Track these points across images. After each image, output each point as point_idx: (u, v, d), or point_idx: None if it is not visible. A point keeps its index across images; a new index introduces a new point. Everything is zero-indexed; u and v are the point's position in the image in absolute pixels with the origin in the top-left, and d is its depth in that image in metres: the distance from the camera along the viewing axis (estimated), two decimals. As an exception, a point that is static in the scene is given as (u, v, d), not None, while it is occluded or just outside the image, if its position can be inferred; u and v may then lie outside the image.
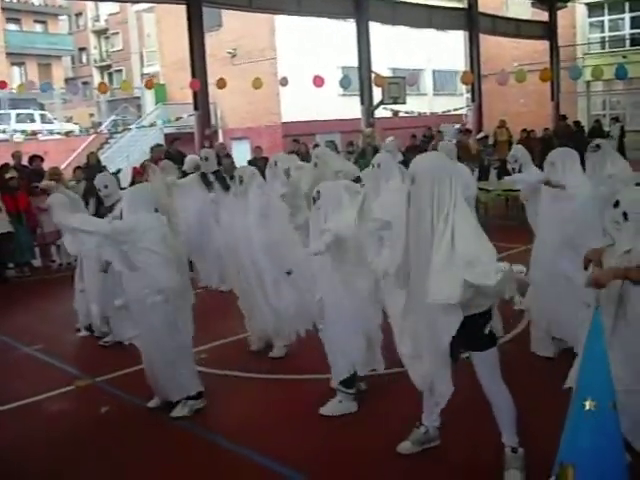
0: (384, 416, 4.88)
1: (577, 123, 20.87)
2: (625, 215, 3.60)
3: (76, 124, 34.23)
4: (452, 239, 3.59)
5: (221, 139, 26.39)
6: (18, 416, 5.49)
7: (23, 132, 28.40)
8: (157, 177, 8.74)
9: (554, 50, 25.82)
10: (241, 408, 5.35)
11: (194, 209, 8.85)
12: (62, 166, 16.12)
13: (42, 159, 12.84)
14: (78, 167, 13.02)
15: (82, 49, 50.14)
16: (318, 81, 17.83)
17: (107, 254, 5.25)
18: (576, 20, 30.28)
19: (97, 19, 49.98)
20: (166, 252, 5.04)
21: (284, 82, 18.45)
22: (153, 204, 5.29)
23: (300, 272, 5.94)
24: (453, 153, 7.83)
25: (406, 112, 21.53)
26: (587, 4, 29.83)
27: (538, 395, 4.74)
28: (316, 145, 14.06)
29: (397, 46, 28.63)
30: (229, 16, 26.33)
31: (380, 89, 19.47)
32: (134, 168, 13.68)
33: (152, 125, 25.91)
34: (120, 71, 46.85)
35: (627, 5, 29.28)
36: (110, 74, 48.45)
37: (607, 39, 30.92)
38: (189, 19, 15.99)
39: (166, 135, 24.13)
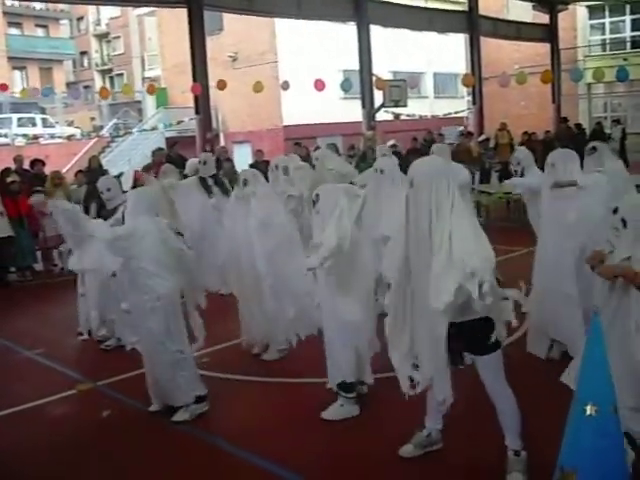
0: (386, 419, 4.87)
1: (578, 125, 20.89)
2: (624, 222, 3.58)
3: (77, 128, 34.27)
4: (450, 243, 3.57)
5: (222, 143, 26.40)
6: (19, 420, 5.48)
7: (25, 136, 28.47)
8: (154, 184, 8.75)
9: (555, 52, 25.85)
10: (242, 412, 5.34)
11: (194, 212, 8.85)
12: (63, 170, 16.13)
13: (43, 163, 12.86)
14: (80, 171, 13.02)
15: (83, 53, 50.20)
16: (319, 85, 17.84)
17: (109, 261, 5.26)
18: (577, 22, 30.31)
19: (98, 23, 50.04)
20: (165, 257, 5.03)
21: (285, 86, 18.46)
22: (155, 208, 5.29)
23: (300, 276, 5.94)
24: (447, 154, 7.89)
25: (407, 115, 21.55)
26: (588, 6, 29.83)
27: (540, 397, 4.73)
28: (317, 148, 14.06)
29: (398, 49, 28.66)
30: (230, 20, 26.38)
31: (381, 92, 19.49)
32: (135, 172, 13.70)
33: (153, 129, 25.96)
34: (121, 75, 46.90)
35: (628, 7, 29.27)
36: (111, 78, 48.50)
37: (608, 41, 30.93)
38: (190, 23, 16.01)
39: (167, 139, 24.13)
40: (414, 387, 4.00)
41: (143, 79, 39.70)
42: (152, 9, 31.08)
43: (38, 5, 43.51)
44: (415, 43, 29.80)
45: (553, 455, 2.82)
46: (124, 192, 7.81)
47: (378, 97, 19.75)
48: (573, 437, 2.56)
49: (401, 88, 20.09)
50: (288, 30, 25.88)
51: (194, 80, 16.07)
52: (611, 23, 30.62)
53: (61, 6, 44.68)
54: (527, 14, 27.22)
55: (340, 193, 5.03)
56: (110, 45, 49.26)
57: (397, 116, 21.27)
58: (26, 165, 12.73)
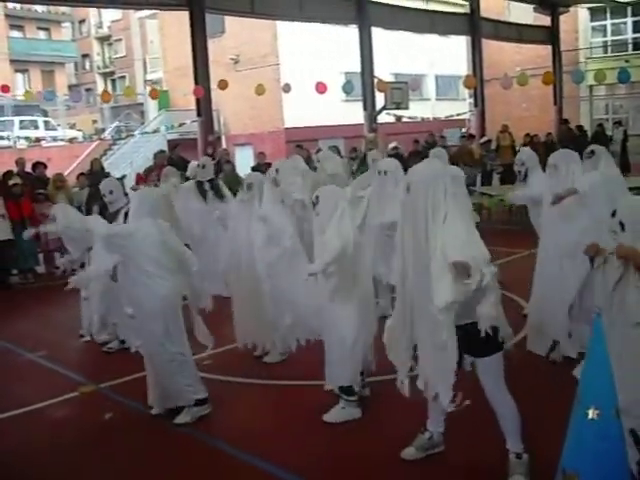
0: (388, 422, 4.88)
1: (580, 127, 20.84)
2: (622, 225, 3.58)
3: (79, 131, 34.37)
4: (444, 246, 3.58)
5: (224, 145, 26.43)
6: (22, 422, 5.49)
7: (27, 139, 28.48)
8: (154, 189, 8.76)
9: (556, 54, 25.84)
10: (244, 414, 5.35)
11: (193, 216, 8.85)
12: (66, 173, 16.13)
13: (45, 166, 12.88)
14: (82, 174, 13.04)
15: (85, 56, 50.25)
16: (321, 87, 17.85)
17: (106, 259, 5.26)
18: (578, 24, 30.32)
19: (100, 26, 50.10)
20: (165, 259, 5.04)
21: (287, 89, 18.47)
22: (158, 210, 5.29)
23: (299, 285, 5.95)
24: (445, 158, 7.93)
25: (409, 117, 21.55)
26: (589, 8, 29.84)
27: (541, 399, 4.73)
28: (318, 150, 14.06)
29: (399, 51, 28.68)
30: (232, 22, 26.40)
31: (383, 94, 19.49)
32: (137, 174, 13.73)
33: (155, 131, 25.99)
34: (123, 77, 46.96)
35: (629, 9, 29.27)
36: (113, 80, 48.56)
37: (609, 43, 30.93)
38: (192, 25, 16.02)
39: (169, 141, 24.21)
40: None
41: (145, 82, 39.76)
42: (154, 12, 31.09)
43: (40, 8, 43.54)
44: (417, 45, 29.80)
45: (555, 458, 2.82)
46: (126, 194, 7.85)
47: (380, 99, 19.76)
48: (575, 440, 2.56)
49: (403, 90, 20.10)
50: (290, 33, 25.92)
51: (196, 83, 16.09)
52: (612, 25, 30.62)
53: (63, 9, 44.77)
54: (528, 16, 27.23)
55: (340, 195, 5.03)
56: (112, 48, 49.32)
57: (399, 118, 21.27)
58: (28, 168, 12.74)
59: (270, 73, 26.02)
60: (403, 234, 3.83)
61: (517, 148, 16.67)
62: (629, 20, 29.89)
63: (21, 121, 31.47)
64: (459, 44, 30.42)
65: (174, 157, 13.28)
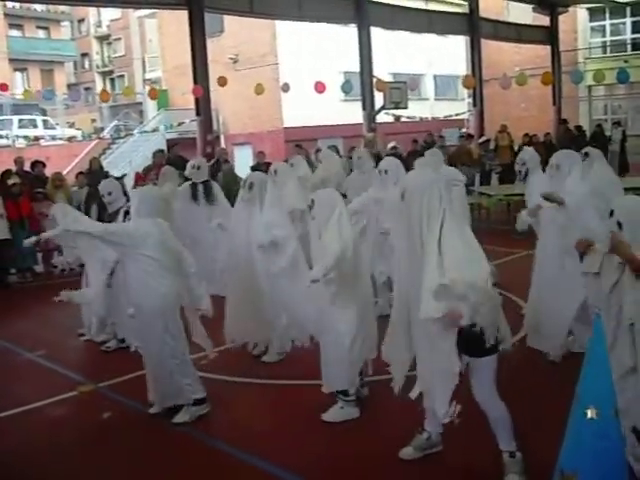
0: (386, 421, 4.88)
1: (579, 128, 20.86)
2: (620, 224, 3.59)
3: (78, 130, 34.33)
4: (441, 258, 3.59)
5: (223, 145, 26.42)
6: (20, 422, 5.49)
7: (25, 138, 28.49)
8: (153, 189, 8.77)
9: (555, 55, 25.85)
10: (243, 413, 5.35)
11: (189, 218, 8.86)
12: (64, 172, 16.10)
13: (44, 165, 12.85)
14: (80, 173, 13.02)
15: (84, 55, 50.24)
16: (320, 87, 17.85)
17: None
18: (577, 25, 30.33)
19: (99, 25, 50.10)
20: (164, 259, 5.04)
21: (285, 88, 18.47)
22: (158, 209, 5.29)
23: (297, 291, 5.96)
24: (440, 159, 7.95)
25: (408, 117, 21.55)
26: (588, 9, 29.85)
27: (540, 398, 4.74)
28: (318, 150, 14.07)
29: (398, 51, 28.70)
30: (231, 21, 26.40)
31: (382, 94, 19.49)
32: (136, 174, 13.72)
33: (154, 130, 25.99)
34: (122, 77, 46.95)
35: (628, 9, 29.28)
36: (112, 80, 48.55)
37: (608, 43, 30.94)
38: (191, 25, 16.00)
39: (168, 140, 24.20)
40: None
41: (144, 81, 39.75)
42: (153, 11, 31.10)
43: (39, 7, 43.55)
44: (415, 45, 29.83)
45: (552, 457, 2.83)
46: (126, 194, 7.84)
47: (378, 99, 19.76)
48: (574, 440, 2.56)
49: (401, 90, 20.09)
50: (289, 32, 25.93)
51: (195, 82, 16.08)
52: (611, 25, 30.63)
53: (62, 8, 44.78)
54: (527, 16, 27.22)
55: (336, 198, 5.02)
56: (111, 47, 49.32)
57: (397, 118, 21.27)
58: (27, 167, 12.73)
59: (269, 72, 26.03)
60: (399, 239, 3.85)
61: (516, 148, 16.73)
62: (628, 20, 29.91)
63: (20, 120, 31.47)
64: (458, 44, 30.45)
65: (172, 156, 13.26)
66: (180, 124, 21.76)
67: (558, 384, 4.07)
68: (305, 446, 4.69)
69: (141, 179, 12.46)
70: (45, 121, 32.90)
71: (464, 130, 24.20)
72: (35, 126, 31.66)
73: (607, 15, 30.38)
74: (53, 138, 30.67)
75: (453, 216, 3.73)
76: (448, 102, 32.83)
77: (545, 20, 26.13)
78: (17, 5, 40.81)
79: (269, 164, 10.81)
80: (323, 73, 20.74)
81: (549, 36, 25.89)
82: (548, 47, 25.99)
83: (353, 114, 21.21)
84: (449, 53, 32.19)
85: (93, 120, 42.18)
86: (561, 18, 26.48)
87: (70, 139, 29.10)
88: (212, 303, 5.74)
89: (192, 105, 17.17)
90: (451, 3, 27.58)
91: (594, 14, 30.53)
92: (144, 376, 5.40)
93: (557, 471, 2.62)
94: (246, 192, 6.33)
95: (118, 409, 5.55)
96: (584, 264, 3.94)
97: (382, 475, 4.22)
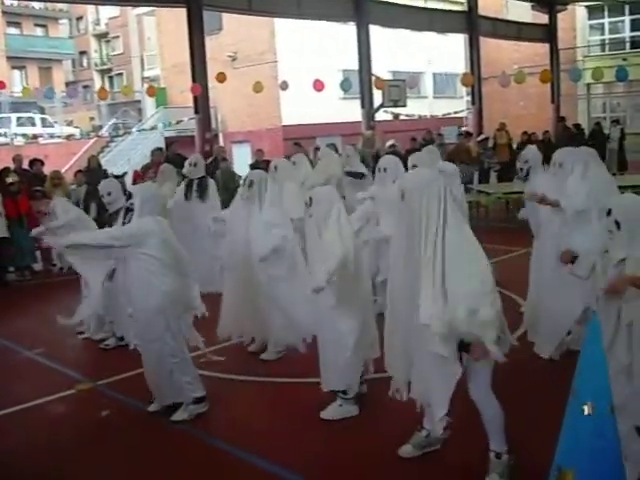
0: (384, 419, 4.88)
1: (577, 126, 20.86)
2: (617, 224, 3.57)
3: (77, 128, 34.30)
4: (443, 271, 3.60)
5: (222, 143, 26.41)
6: (19, 420, 5.49)
7: (24, 136, 28.50)
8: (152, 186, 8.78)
9: (554, 53, 25.84)
10: (241, 411, 5.35)
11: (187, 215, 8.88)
12: (63, 170, 16.12)
13: (42, 163, 12.86)
14: (79, 171, 13.02)
15: (83, 53, 50.18)
16: (318, 85, 17.84)
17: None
18: (576, 23, 30.33)
19: (98, 23, 50.03)
20: (166, 257, 5.03)
21: (284, 86, 18.45)
22: (158, 207, 5.28)
23: (294, 294, 5.97)
24: (437, 157, 7.95)
25: (406, 115, 21.55)
26: (587, 7, 29.84)
27: (537, 398, 4.74)
28: (317, 148, 14.06)
29: (397, 49, 28.68)
30: (229, 19, 26.38)
31: (380, 92, 19.49)
32: (135, 172, 13.72)
33: (153, 128, 25.96)
34: (121, 75, 46.88)
35: (627, 8, 29.29)
36: (111, 78, 48.48)
37: (607, 41, 30.94)
38: (189, 22, 16.00)
39: (166, 138, 24.17)
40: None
41: (142, 79, 39.69)
42: (151, 9, 31.08)
43: (37, 5, 43.49)
44: (414, 43, 29.81)
45: (549, 455, 2.82)
46: (125, 193, 7.83)
47: (377, 97, 19.76)
48: (571, 436, 2.56)
49: (400, 88, 20.10)
50: (288, 30, 25.89)
51: (193, 80, 16.07)
52: (610, 23, 30.64)
53: (60, 6, 44.70)
54: (526, 14, 27.21)
55: (335, 196, 5.00)
56: (109, 45, 49.26)
57: (396, 116, 21.27)
58: (25, 165, 12.73)
59: (268, 70, 25.99)
60: (396, 240, 3.83)
61: (514, 146, 16.75)
62: (627, 18, 29.92)
63: (18, 118, 31.46)
64: (457, 42, 30.39)
65: (170, 154, 13.26)
66: (179, 122, 21.74)
67: (556, 382, 4.06)
68: (304, 444, 4.69)
69: (139, 177, 12.46)
70: (43, 119, 32.89)
71: (463, 128, 24.20)
72: (33, 124, 31.65)
73: (606, 13, 30.39)
74: (51, 136, 30.67)
75: (453, 217, 3.70)
76: (447, 100, 32.83)
77: (544, 18, 26.12)
78: (15, 3, 40.86)
79: (268, 162, 10.79)
80: (322, 71, 20.73)
81: (548, 34, 25.89)
82: (547, 45, 25.99)
83: (352, 112, 21.19)
84: (448, 51, 32.16)
85: (91, 118, 42.11)
86: (560, 16, 26.48)
87: (68, 137, 29.06)
88: (211, 301, 5.74)
89: (191, 103, 17.16)
90: (450, 1, 27.61)
91: (593, 12, 30.54)
92: (143, 374, 5.39)
93: (554, 467, 2.62)
94: (245, 190, 6.32)
95: (117, 407, 5.55)
96: (575, 267, 3.96)
97: (381, 473, 4.22)
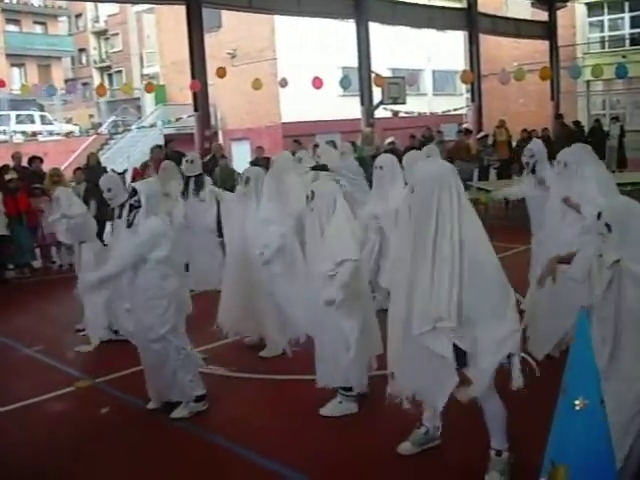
0: (384, 416, 4.86)
1: (577, 123, 20.84)
2: (608, 226, 3.56)
3: (76, 125, 34.28)
4: (461, 269, 3.57)
5: (221, 140, 26.39)
6: (18, 417, 5.49)
7: (23, 133, 28.47)
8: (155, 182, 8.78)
9: (554, 50, 25.82)
10: (240, 408, 5.35)
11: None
12: (62, 167, 16.09)
13: (42, 160, 12.84)
14: (78, 168, 13.01)
15: (82, 50, 50.14)
16: (317, 83, 17.83)
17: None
18: (576, 20, 30.30)
19: (97, 20, 49.98)
20: (174, 257, 5.03)
21: (283, 83, 18.44)
22: (160, 203, 5.27)
23: (292, 292, 5.96)
24: (436, 155, 7.94)
25: (406, 112, 21.53)
26: (587, 4, 29.84)
27: (536, 395, 4.73)
28: (316, 146, 14.05)
29: (397, 46, 28.65)
30: (229, 16, 26.34)
31: (380, 89, 19.47)
32: (134, 169, 13.70)
33: (152, 126, 25.92)
34: (120, 72, 46.87)
35: (627, 5, 29.28)
36: (110, 75, 48.46)
37: (607, 39, 30.93)
38: (189, 20, 15.98)
39: (166, 136, 24.16)
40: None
41: (142, 76, 39.66)
42: (151, 6, 31.06)
43: (36, 2, 43.49)
44: (414, 40, 29.79)
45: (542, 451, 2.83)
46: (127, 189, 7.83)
47: (377, 94, 19.74)
48: (563, 431, 2.57)
49: (400, 85, 20.08)
50: (287, 27, 25.86)
51: (193, 77, 16.05)
52: (610, 20, 30.61)
53: (59, 3, 44.72)
54: (526, 11, 27.20)
55: (337, 191, 4.97)
56: (108, 42, 49.22)
57: (396, 113, 21.26)
58: (24, 162, 12.72)
59: (267, 68, 25.96)
60: (409, 236, 3.74)
61: (514, 144, 16.74)
62: (626, 15, 29.89)
63: (17, 115, 31.45)
64: (456, 39, 30.37)
65: (169, 152, 13.24)
66: (178, 119, 21.73)
67: (555, 379, 4.05)
68: (303, 441, 4.69)
69: (139, 174, 12.45)
70: (43, 117, 32.87)
71: (463, 125, 24.20)
72: (33, 122, 31.64)
73: (605, 10, 30.37)
74: (51, 134, 30.67)
75: (468, 213, 3.65)
76: (446, 97, 32.80)
77: (544, 15, 26.09)
78: (14, 0, 40.75)
79: (268, 159, 10.79)
80: (321, 68, 20.72)
81: (547, 31, 25.86)
82: (546, 42, 25.96)
83: (351, 109, 21.18)
84: (448, 48, 32.13)
85: (91, 116, 42.11)
86: (560, 13, 26.44)
87: (68, 135, 29.06)
88: (210, 298, 5.75)
89: (190, 100, 17.15)
90: (449, -2, 27.55)
91: (592, 9, 30.52)
92: (142, 371, 5.39)
93: (547, 462, 2.63)
94: (242, 186, 6.32)
95: (116, 404, 5.55)
96: (571, 270, 3.95)
97: (380, 470, 4.22)
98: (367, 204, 7.19)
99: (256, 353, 6.43)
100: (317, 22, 22.74)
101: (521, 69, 19.50)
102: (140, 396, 5.41)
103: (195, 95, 16.30)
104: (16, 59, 42.24)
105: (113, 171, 12.05)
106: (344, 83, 19.22)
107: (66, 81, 44.57)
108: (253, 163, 12.43)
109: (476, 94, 23.04)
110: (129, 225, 4.96)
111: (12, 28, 43.72)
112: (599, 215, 3.63)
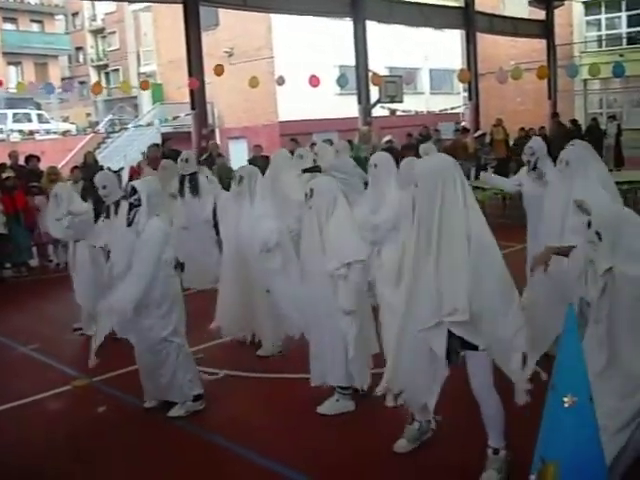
0: (381, 414, 4.86)
1: (574, 121, 20.85)
2: (599, 234, 3.54)
3: (73, 124, 34.27)
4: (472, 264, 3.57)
5: (218, 138, 26.37)
6: (15, 416, 5.48)
7: (20, 132, 28.42)
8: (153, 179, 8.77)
9: (551, 49, 25.83)
10: (238, 407, 5.35)
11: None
12: (59, 166, 16.07)
13: (39, 159, 12.82)
14: (75, 167, 12.97)
15: (79, 48, 50.03)
16: (314, 81, 17.82)
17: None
18: (573, 18, 30.31)
19: (94, 18, 49.86)
20: (175, 255, 5.03)
21: (280, 81, 18.43)
22: (160, 201, 5.26)
23: (287, 289, 5.96)
24: (434, 153, 7.92)
25: (403, 111, 21.53)
26: (584, 2, 29.85)
27: (533, 393, 4.72)
28: (313, 144, 14.05)
29: (394, 45, 28.66)
30: (226, 15, 26.31)
31: (377, 88, 19.47)
32: (131, 167, 13.69)
33: (149, 125, 25.91)
34: (117, 70, 46.76)
35: (624, 4, 29.30)
36: (107, 73, 48.36)
37: (604, 37, 30.93)
38: (186, 18, 15.96)
39: (163, 134, 24.15)
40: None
41: (139, 75, 39.60)
42: (148, 4, 30.97)
43: (33, 0, 43.35)
44: (411, 39, 29.79)
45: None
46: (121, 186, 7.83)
47: (374, 93, 19.73)
48: (552, 428, 2.58)
49: (397, 84, 20.08)
50: (284, 26, 25.86)
51: (190, 75, 16.04)
52: (607, 19, 30.62)
53: (56, 1, 44.69)
54: (523, 10, 27.21)
55: (336, 188, 4.96)
56: (105, 40, 49.10)
57: (393, 112, 21.26)
58: (21, 161, 12.70)
59: (264, 66, 25.94)
60: (412, 230, 3.73)
61: (511, 142, 16.75)
62: (623, 14, 29.90)
63: (14, 114, 31.41)
64: (454, 38, 30.38)
65: (165, 151, 13.23)
66: (175, 118, 21.72)
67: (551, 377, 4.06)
68: (302, 440, 4.69)
69: (136, 173, 12.45)
70: (39, 115, 32.84)
71: (460, 124, 24.23)
72: (29, 120, 31.60)
73: (603, 9, 30.39)
74: (48, 132, 30.64)
75: (474, 205, 3.65)
76: (444, 96, 32.80)
77: (541, 14, 26.10)
78: (11, -2, 40.71)
79: (267, 157, 10.78)
80: (319, 67, 20.71)
81: (545, 30, 25.87)
82: (544, 41, 25.97)
83: (349, 108, 21.16)
84: (445, 47, 32.13)
85: (88, 114, 42.05)
86: (557, 12, 26.46)
87: (65, 133, 29.07)
88: (207, 297, 5.74)
89: (187, 99, 17.13)
90: (447, -3, 27.54)
91: (590, 8, 30.53)
92: (138, 370, 5.38)
93: (537, 459, 2.63)
94: (236, 185, 6.31)
95: (113, 403, 5.55)
96: (570, 263, 3.95)
97: (379, 469, 4.22)
98: (361, 205, 7.15)
99: (253, 352, 6.42)
100: (314, 21, 22.73)
101: (518, 68, 19.51)
102: (137, 395, 5.41)
103: (192, 93, 16.28)
104: (13, 57, 42.18)
105: (109, 169, 12.03)
106: (341, 82, 19.21)
107: (63, 79, 44.46)
108: (251, 162, 12.42)
109: (473, 93, 23.05)
110: (129, 224, 4.94)
111: (9, 26, 43.68)
112: (589, 224, 3.60)
